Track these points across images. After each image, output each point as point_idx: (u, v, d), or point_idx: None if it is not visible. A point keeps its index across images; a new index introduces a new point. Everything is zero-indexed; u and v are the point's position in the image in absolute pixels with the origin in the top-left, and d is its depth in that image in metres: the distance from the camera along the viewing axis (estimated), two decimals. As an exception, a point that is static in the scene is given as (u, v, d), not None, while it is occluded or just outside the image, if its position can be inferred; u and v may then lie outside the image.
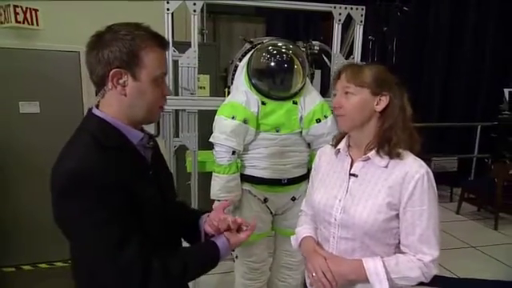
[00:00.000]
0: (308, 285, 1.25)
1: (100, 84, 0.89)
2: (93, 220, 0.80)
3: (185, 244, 1.12)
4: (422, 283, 1.08)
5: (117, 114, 0.90)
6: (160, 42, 0.91)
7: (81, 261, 0.92)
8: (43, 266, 2.92)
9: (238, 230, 1.04)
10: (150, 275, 0.83)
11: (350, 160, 1.15)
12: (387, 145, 1.07)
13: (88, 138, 0.87)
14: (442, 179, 4.34)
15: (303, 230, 1.28)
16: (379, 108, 1.09)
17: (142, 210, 0.88)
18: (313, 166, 1.33)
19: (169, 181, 1.10)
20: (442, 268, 2.87)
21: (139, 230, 0.85)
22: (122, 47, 0.85)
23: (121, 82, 0.87)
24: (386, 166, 1.07)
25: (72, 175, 0.80)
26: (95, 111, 0.91)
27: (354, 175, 1.12)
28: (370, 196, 1.07)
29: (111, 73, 0.86)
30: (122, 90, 0.87)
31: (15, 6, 2.66)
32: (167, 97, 0.97)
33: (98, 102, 0.92)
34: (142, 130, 0.97)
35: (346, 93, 1.10)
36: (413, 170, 1.05)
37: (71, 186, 0.80)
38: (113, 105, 0.90)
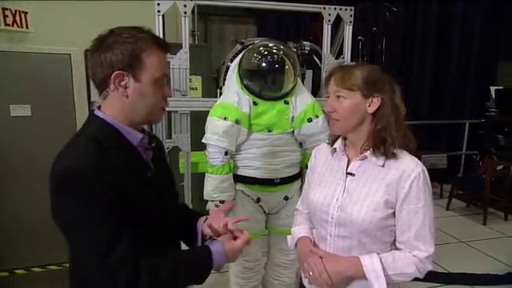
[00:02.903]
0: (306, 283, 1.25)
1: (101, 86, 0.91)
2: (84, 218, 0.82)
3: (183, 246, 1.12)
4: (416, 278, 1.09)
5: (118, 115, 0.92)
6: (161, 45, 0.94)
7: (76, 260, 0.93)
8: (37, 269, 2.89)
9: (235, 237, 1.03)
10: (139, 277, 0.82)
11: (347, 159, 1.15)
12: (382, 146, 1.07)
13: (88, 137, 0.88)
14: (432, 176, 4.27)
15: (299, 229, 1.28)
16: (371, 110, 1.09)
17: (137, 210, 0.88)
18: (308, 165, 1.33)
19: (170, 183, 1.10)
20: (432, 263, 2.92)
21: (130, 231, 0.84)
22: (124, 50, 0.87)
23: (122, 83, 0.89)
24: (383, 165, 1.08)
25: (67, 172, 0.82)
26: (97, 112, 0.93)
27: (351, 174, 1.13)
28: (368, 194, 1.08)
29: (113, 75, 0.87)
30: (123, 91, 0.89)
31: (4, 9, 2.65)
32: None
33: (100, 103, 0.94)
34: (143, 131, 0.98)
35: (338, 96, 1.10)
36: (409, 168, 1.06)
37: (65, 183, 0.82)
38: (115, 106, 0.92)
